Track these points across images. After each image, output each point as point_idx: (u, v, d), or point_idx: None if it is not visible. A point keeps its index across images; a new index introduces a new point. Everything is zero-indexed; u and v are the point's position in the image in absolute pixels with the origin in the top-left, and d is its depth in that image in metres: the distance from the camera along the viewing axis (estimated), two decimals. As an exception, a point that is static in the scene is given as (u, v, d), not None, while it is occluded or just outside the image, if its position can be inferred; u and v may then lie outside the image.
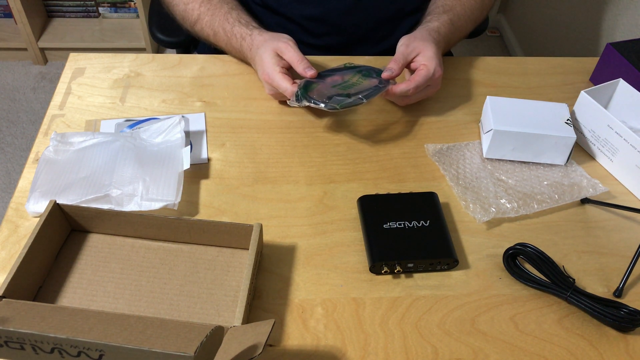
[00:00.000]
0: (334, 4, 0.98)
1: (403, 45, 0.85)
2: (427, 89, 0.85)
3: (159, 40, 1.17)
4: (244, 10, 0.93)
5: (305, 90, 0.79)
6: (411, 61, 0.85)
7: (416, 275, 0.68)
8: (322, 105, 0.77)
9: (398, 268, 0.66)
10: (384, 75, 0.81)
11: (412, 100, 0.86)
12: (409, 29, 0.90)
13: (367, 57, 0.97)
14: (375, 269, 0.67)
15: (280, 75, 0.81)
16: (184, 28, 0.97)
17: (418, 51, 0.84)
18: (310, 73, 0.80)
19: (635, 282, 0.69)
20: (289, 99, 0.80)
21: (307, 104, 0.77)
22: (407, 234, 0.68)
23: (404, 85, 0.81)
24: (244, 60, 0.92)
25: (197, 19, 0.92)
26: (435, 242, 0.68)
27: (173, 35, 1.17)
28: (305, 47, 0.83)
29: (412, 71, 0.85)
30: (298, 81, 0.81)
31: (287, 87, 0.80)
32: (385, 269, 0.66)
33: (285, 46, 0.82)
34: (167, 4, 0.99)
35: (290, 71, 0.83)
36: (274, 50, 0.83)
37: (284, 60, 0.83)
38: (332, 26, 1.01)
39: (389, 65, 0.82)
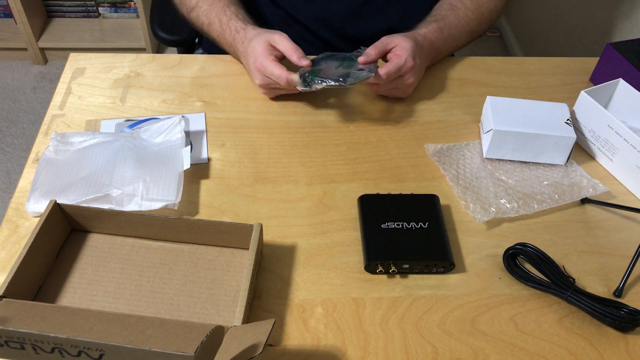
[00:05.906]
0: (339, 6, 0.98)
1: (384, 37, 0.86)
2: (400, 80, 0.86)
3: (161, 39, 1.17)
4: (241, 7, 0.93)
5: (314, 74, 0.79)
6: (389, 51, 0.86)
7: (416, 276, 0.68)
8: (337, 83, 0.77)
9: (393, 268, 0.66)
10: (360, 59, 0.82)
11: (383, 89, 0.87)
12: None
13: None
14: (369, 267, 0.66)
15: (274, 62, 0.81)
16: (180, 13, 0.98)
17: (396, 43, 0.85)
18: (305, 62, 0.81)
19: (635, 282, 0.69)
20: (282, 86, 0.81)
21: (322, 85, 0.78)
22: (404, 235, 0.68)
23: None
24: (233, 54, 0.92)
25: (195, 5, 0.93)
26: (432, 244, 0.68)
27: (175, 34, 1.17)
28: (308, 46, 0.83)
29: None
30: (301, 70, 0.81)
31: (281, 73, 0.80)
32: (380, 268, 0.66)
33: (279, 38, 0.83)
34: None
35: (282, 62, 0.84)
36: (267, 41, 0.84)
37: (277, 50, 0.84)
38: (335, 30, 1.01)
39: (367, 50, 0.84)
